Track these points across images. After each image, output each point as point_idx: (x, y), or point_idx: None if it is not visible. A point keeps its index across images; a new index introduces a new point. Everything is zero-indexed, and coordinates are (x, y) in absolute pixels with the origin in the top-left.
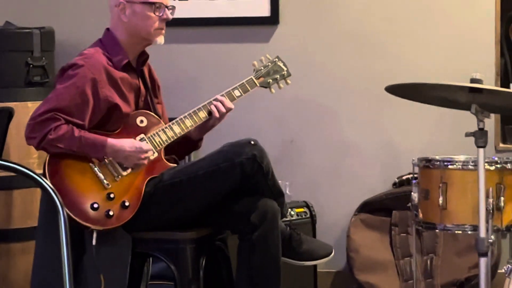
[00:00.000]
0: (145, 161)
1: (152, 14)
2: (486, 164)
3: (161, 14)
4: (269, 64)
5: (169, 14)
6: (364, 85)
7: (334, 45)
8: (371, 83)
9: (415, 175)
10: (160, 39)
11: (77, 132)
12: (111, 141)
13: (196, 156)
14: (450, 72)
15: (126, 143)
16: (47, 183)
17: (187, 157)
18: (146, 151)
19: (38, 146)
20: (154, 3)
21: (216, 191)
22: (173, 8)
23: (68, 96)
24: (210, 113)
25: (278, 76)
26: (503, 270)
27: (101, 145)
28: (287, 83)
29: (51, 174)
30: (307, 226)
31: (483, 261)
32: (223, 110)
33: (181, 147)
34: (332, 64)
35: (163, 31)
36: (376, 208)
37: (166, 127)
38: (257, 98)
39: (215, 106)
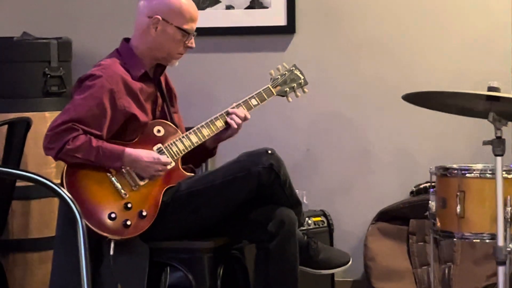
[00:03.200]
0: (162, 173)
1: (181, 41)
2: (504, 172)
3: (187, 42)
4: (286, 72)
5: (193, 43)
6: (380, 94)
7: (350, 53)
8: (387, 91)
9: (433, 184)
10: (176, 63)
11: (94, 142)
12: (128, 150)
13: (213, 164)
14: (467, 80)
15: (144, 154)
16: (65, 192)
17: (204, 166)
18: (164, 164)
19: (56, 156)
20: (187, 32)
21: (233, 201)
22: (195, 34)
23: (86, 106)
24: (227, 123)
25: (295, 84)
26: None
27: (119, 155)
28: (304, 91)
29: (69, 184)
30: (324, 234)
31: (501, 270)
32: (239, 121)
33: (196, 155)
34: (348, 73)
35: (182, 56)
36: (393, 217)
37: (183, 137)
38: (273, 107)
39: (232, 118)
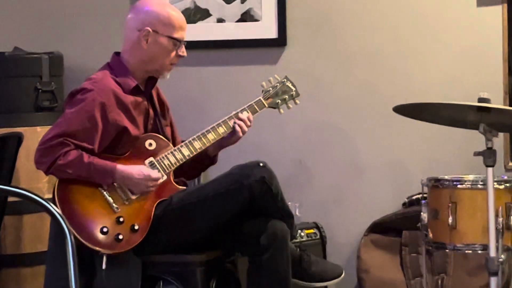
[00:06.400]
0: (153, 189)
1: (173, 50)
2: (495, 183)
3: (179, 51)
4: (278, 84)
5: (185, 51)
6: (372, 105)
7: (341, 65)
8: (379, 103)
9: (425, 195)
10: (168, 74)
11: (86, 158)
12: (120, 167)
13: (205, 177)
14: (458, 91)
15: (135, 170)
16: (54, 208)
17: (196, 179)
18: (155, 179)
19: (48, 171)
20: (178, 40)
21: (225, 214)
22: (185, 43)
23: (77, 120)
24: (231, 129)
25: (287, 96)
26: None
27: (110, 172)
28: (296, 103)
29: (61, 199)
30: (317, 247)
31: (493, 281)
32: (246, 128)
33: (197, 163)
34: (339, 85)
35: (174, 67)
36: (386, 228)
37: (175, 150)
38: (265, 119)
39: (239, 125)
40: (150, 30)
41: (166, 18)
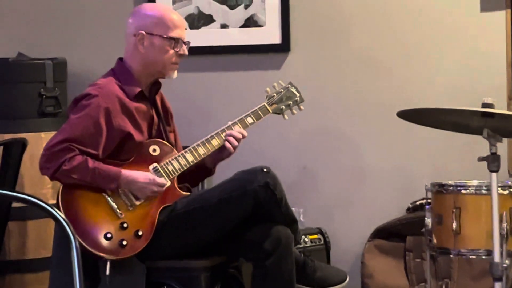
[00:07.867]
0: (158, 194)
1: (170, 49)
2: (499, 188)
3: (178, 50)
4: (282, 90)
5: (185, 50)
6: (376, 111)
7: (345, 71)
8: (383, 108)
9: (429, 200)
10: (174, 74)
11: (91, 163)
12: (125, 172)
13: (209, 183)
14: (462, 96)
15: (140, 175)
16: (59, 213)
17: (200, 185)
18: (160, 185)
19: (52, 176)
20: (174, 39)
21: (229, 219)
22: (188, 43)
23: (82, 126)
24: (224, 144)
25: (291, 102)
26: None
27: (115, 177)
28: (300, 109)
29: (65, 205)
30: (321, 252)
31: (498, 286)
32: (236, 143)
33: (195, 174)
34: (343, 90)
35: (177, 66)
36: (390, 234)
37: (179, 156)
38: (269, 125)
39: (228, 141)
40: (144, 33)
41: (158, 18)
